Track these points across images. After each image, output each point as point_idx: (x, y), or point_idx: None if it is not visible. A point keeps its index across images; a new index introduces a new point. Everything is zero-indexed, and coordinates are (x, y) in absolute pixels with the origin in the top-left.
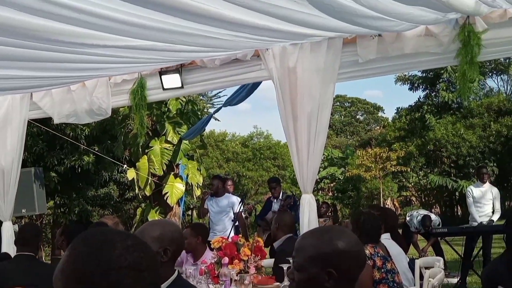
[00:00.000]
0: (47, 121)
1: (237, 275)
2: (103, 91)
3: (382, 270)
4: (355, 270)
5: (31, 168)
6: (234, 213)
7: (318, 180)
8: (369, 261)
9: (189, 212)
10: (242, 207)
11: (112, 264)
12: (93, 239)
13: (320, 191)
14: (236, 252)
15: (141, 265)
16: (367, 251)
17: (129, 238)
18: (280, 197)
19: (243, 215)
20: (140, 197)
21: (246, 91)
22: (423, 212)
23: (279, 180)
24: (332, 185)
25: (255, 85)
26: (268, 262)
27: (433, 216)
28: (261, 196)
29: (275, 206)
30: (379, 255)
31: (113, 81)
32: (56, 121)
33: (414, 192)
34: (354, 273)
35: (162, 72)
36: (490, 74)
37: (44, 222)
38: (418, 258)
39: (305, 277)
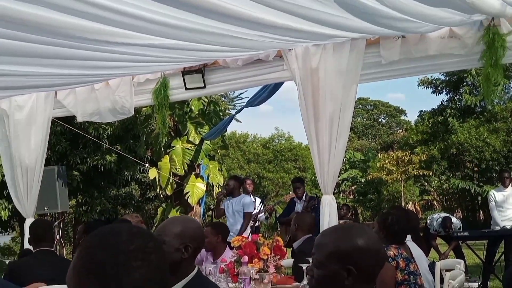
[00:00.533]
0: (70, 120)
1: (256, 274)
2: (126, 90)
3: (405, 272)
4: (374, 268)
5: (54, 167)
6: (243, 213)
7: (339, 182)
8: (392, 263)
9: (210, 213)
10: (262, 208)
11: (119, 248)
12: (99, 232)
13: (341, 194)
14: (255, 251)
15: (148, 247)
16: (390, 252)
17: (134, 227)
18: (304, 198)
19: (263, 216)
20: (161, 196)
21: (268, 91)
22: (443, 214)
23: (303, 180)
24: (353, 188)
25: (277, 86)
26: (288, 262)
27: (454, 219)
28: (281, 197)
29: (298, 206)
30: (402, 256)
31: (136, 80)
32: (79, 119)
33: (436, 196)
34: (373, 271)
35: (185, 72)
36: None
37: (66, 220)
38: (438, 261)
39: (324, 273)
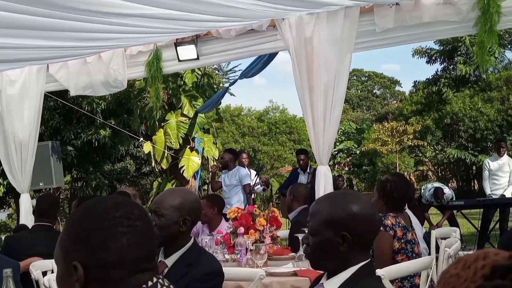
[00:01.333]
0: (63, 95)
1: (252, 245)
2: (119, 63)
3: (402, 241)
4: (369, 233)
5: (48, 142)
6: (244, 186)
7: (334, 154)
8: (390, 232)
9: (205, 187)
10: (258, 180)
11: (104, 216)
12: (84, 204)
13: (336, 166)
14: (251, 222)
15: (133, 214)
16: (388, 222)
17: (119, 197)
18: (308, 170)
19: (260, 188)
20: (157, 170)
21: (262, 62)
22: (436, 184)
23: (307, 152)
24: (348, 159)
25: (271, 57)
26: (284, 233)
27: (446, 189)
28: (276, 170)
29: (302, 178)
30: (400, 225)
31: (128, 52)
32: (72, 93)
33: (430, 167)
34: (368, 237)
35: (177, 44)
36: (509, 46)
37: (61, 196)
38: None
39: (319, 241)
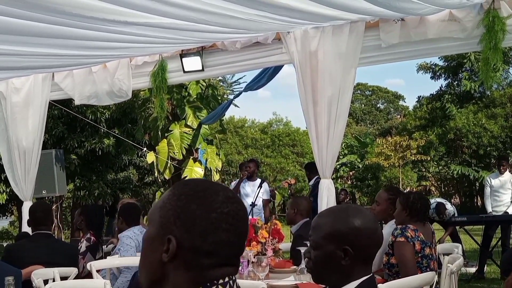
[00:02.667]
0: (68, 103)
1: (254, 257)
2: (124, 73)
3: (419, 255)
4: (371, 248)
5: (52, 150)
6: (263, 199)
7: (337, 168)
8: (411, 242)
9: None
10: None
11: (214, 207)
12: (196, 184)
13: (339, 179)
14: (254, 234)
15: (238, 215)
16: (408, 234)
17: (230, 190)
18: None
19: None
20: (159, 181)
21: (267, 76)
22: (439, 200)
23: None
24: (351, 173)
25: (276, 70)
26: (286, 245)
27: (448, 205)
28: (279, 183)
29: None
30: (419, 239)
31: (134, 63)
32: (77, 102)
33: (433, 182)
34: (370, 251)
35: (183, 55)
36: None
37: (64, 205)
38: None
39: (321, 254)
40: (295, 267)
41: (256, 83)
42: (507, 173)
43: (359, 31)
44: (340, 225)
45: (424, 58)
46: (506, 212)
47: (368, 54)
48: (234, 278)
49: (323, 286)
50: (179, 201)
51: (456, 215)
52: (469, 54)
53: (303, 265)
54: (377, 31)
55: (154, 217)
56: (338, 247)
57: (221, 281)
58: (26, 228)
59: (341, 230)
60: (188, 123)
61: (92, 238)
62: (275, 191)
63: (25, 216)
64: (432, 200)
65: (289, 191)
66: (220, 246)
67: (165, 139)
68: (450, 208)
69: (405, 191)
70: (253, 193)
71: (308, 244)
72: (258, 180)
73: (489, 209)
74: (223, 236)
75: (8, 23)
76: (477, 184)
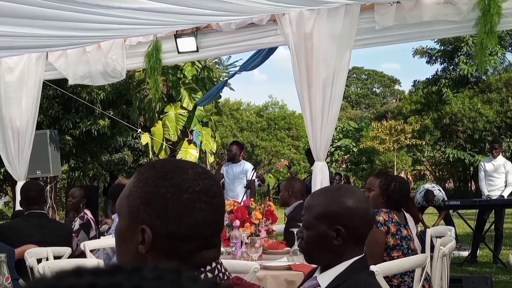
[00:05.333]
0: (62, 84)
1: (247, 238)
2: (118, 53)
3: (397, 237)
4: (363, 228)
5: (47, 131)
6: (247, 180)
7: (332, 151)
8: (381, 228)
9: None
10: (254, 175)
11: (184, 187)
12: (163, 165)
13: (334, 163)
14: (247, 216)
15: (212, 191)
16: (380, 218)
17: (199, 166)
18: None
19: (256, 183)
20: None
21: (261, 56)
22: (428, 186)
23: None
24: (346, 157)
25: (271, 51)
26: (280, 227)
27: (436, 191)
28: (273, 165)
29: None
30: (393, 221)
31: (128, 43)
32: (70, 82)
33: (428, 166)
34: (362, 231)
35: (177, 35)
36: (510, 48)
37: (58, 185)
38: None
39: (313, 234)
40: (288, 248)
41: (251, 63)
42: (500, 157)
43: (354, 13)
44: (333, 205)
45: (419, 41)
46: (501, 196)
47: (363, 36)
48: (219, 261)
49: (315, 266)
50: (146, 187)
51: (445, 199)
52: (466, 38)
53: (296, 246)
54: (372, 13)
55: (122, 208)
56: (330, 227)
57: (208, 267)
58: (20, 207)
59: (334, 210)
60: (183, 105)
61: (85, 216)
62: (269, 175)
63: (19, 195)
64: (421, 187)
65: (289, 172)
66: (197, 228)
67: (160, 121)
68: (438, 194)
69: (387, 176)
70: (239, 175)
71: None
72: (243, 162)
73: (486, 192)
74: (198, 217)
75: (1, 6)
76: (472, 168)
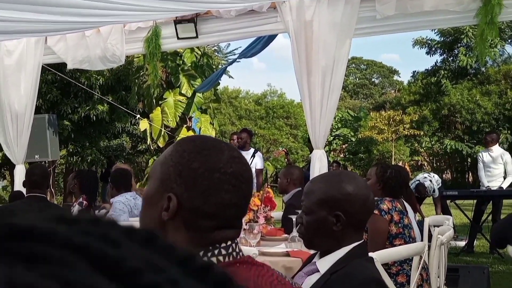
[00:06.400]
0: (62, 68)
1: (246, 224)
2: (117, 38)
3: (399, 225)
4: (363, 214)
5: (45, 115)
6: (256, 169)
7: (330, 140)
8: (385, 216)
9: None
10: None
11: (218, 166)
12: (202, 141)
13: (332, 152)
14: None
15: (243, 176)
16: (384, 206)
17: (236, 150)
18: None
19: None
20: (152, 148)
21: (261, 43)
22: (420, 177)
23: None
24: (344, 146)
25: (270, 38)
26: (278, 214)
27: (427, 183)
28: (272, 154)
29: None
30: (396, 209)
31: (127, 28)
32: (69, 66)
33: (426, 157)
34: (362, 218)
35: (177, 21)
36: (510, 40)
37: (57, 170)
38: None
39: (313, 219)
40: (286, 235)
41: (250, 50)
42: (497, 148)
43: (355, 2)
44: (333, 191)
45: (420, 31)
46: (500, 187)
47: (363, 25)
48: (236, 241)
49: (314, 252)
50: (181, 158)
51: (435, 188)
52: (466, 29)
53: (294, 233)
54: (373, 2)
55: (155, 172)
56: (330, 213)
57: (223, 244)
58: (17, 188)
59: (334, 196)
60: (182, 92)
61: (84, 202)
62: (267, 162)
63: (17, 179)
64: (412, 180)
65: (287, 160)
66: (221, 208)
67: (159, 107)
68: (429, 185)
69: (383, 164)
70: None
71: (300, 212)
72: (252, 150)
73: (485, 182)
74: (225, 198)
75: None
76: (469, 159)
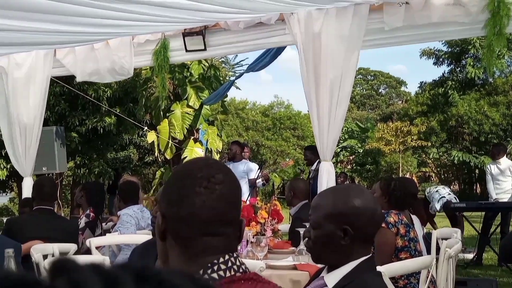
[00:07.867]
0: (69, 80)
1: (253, 237)
2: (126, 51)
3: (405, 238)
4: (371, 228)
5: (53, 127)
6: (249, 180)
7: (337, 152)
8: (392, 229)
9: None
10: (259, 174)
11: (188, 173)
12: (192, 162)
13: (339, 164)
14: (253, 215)
15: (214, 178)
16: (391, 219)
17: (211, 159)
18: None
19: (260, 182)
20: (160, 160)
21: (269, 57)
22: (444, 192)
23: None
24: (351, 158)
25: (279, 51)
26: (285, 227)
27: (453, 199)
28: (279, 165)
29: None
30: (402, 222)
31: (136, 41)
32: (78, 79)
33: (433, 168)
34: (369, 232)
35: (185, 34)
36: None
37: (64, 182)
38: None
39: (321, 234)
40: (293, 248)
41: (258, 64)
42: (504, 160)
43: (363, 13)
44: (340, 205)
45: (428, 42)
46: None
47: (371, 37)
48: (235, 255)
49: (321, 266)
50: (169, 180)
51: (437, 210)
52: (474, 40)
53: (301, 246)
54: (381, 14)
55: (160, 203)
56: (338, 227)
57: (221, 259)
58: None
59: (341, 210)
60: (190, 104)
61: (92, 214)
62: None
63: (25, 192)
64: (436, 195)
65: (299, 169)
66: (197, 211)
67: (166, 119)
68: (433, 205)
69: (387, 177)
70: (242, 174)
71: (307, 226)
72: (245, 161)
73: (494, 195)
74: (197, 201)
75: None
76: (477, 171)
